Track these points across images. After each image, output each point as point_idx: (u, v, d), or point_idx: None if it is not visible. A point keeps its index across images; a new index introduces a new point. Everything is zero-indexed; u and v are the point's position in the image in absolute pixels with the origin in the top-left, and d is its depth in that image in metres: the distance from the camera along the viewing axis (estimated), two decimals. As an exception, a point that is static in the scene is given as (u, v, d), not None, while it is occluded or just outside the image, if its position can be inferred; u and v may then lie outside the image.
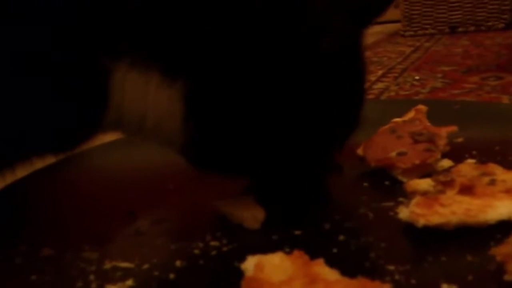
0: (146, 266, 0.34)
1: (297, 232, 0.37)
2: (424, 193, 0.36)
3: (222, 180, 0.40)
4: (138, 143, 0.39)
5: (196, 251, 0.36)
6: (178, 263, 0.34)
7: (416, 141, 0.46)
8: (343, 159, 0.49)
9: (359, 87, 0.41)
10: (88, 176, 0.50)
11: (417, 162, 0.44)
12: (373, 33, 1.95)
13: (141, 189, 0.47)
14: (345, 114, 0.40)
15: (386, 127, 0.50)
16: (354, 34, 0.38)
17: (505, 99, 0.79)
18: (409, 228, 0.35)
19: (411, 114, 0.52)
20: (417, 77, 1.01)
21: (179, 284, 0.33)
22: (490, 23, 1.62)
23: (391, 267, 0.31)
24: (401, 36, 1.71)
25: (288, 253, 0.29)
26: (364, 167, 0.46)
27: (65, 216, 0.42)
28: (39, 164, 0.46)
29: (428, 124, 0.50)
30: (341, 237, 0.35)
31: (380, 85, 0.99)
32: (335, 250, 0.34)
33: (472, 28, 1.63)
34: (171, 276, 0.33)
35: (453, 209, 0.34)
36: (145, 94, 0.34)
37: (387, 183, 0.44)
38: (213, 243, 0.36)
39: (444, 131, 0.48)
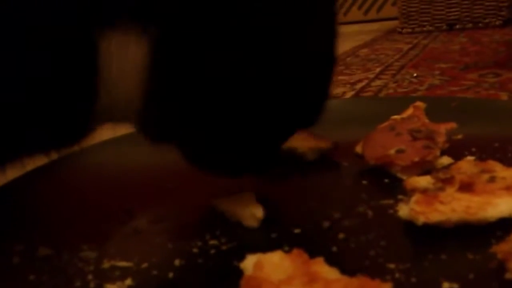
0: (144, 265, 0.34)
1: (296, 231, 0.37)
2: (424, 191, 0.36)
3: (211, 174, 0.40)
4: (135, 141, 0.38)
5: (195, 250, 0.35)
6: (177, 262, 0.34)
7: (415, 138, 0.46)
8: (342, 157, 0.49)
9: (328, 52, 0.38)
10: (85, 175, 0.50)
11: (416, 159, 0.44)
12: (370, 30, 1.95)
13: (139, 187, 0.46)
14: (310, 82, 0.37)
15: (384, 124, 0.50)
16: None
17: (504, 96, 0.79)
18: (409, 226, 0.34)
19: (409, 111, 0.52)
20: (415, 74, 1.01)
21: (178, 283, 0.32)
22: (487, 20, 1.62)
23: (391, 266, 0.31)
24: (399, 33, 1.71)
25: (288, 252, 0.29)
26: (363, 165, 0.46)
27: (63, 215, 0.42)
28: (36, 163, 0.46)
29: (427, 121, 0.50)
30: (341, 236, 0.35)
31: (378, 83, 0.98)
32: (334, 249, 0.34)
33: (469, 25, 1.63)
34: (170, 275, 0.33)
35: (453, 207, 0.34)
36: (126, 60, 0.32)
37: (386, 181, 0.44)
38: (212, 242, 0.36)
39: (443, 128, 0.48)
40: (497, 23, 1.61)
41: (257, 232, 0.37)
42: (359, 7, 2.39)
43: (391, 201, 0.39)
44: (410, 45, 1.43)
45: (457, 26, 1.64)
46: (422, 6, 1.68)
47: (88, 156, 0.53)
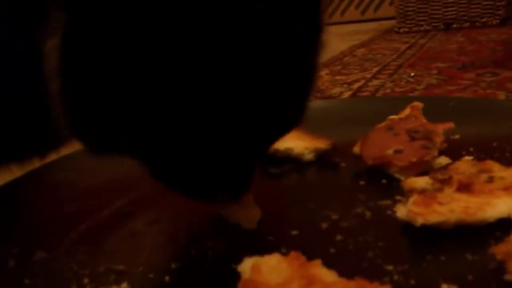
0: (141, 268, 0.34)
1: (294, 232, 0.36)
2: (422, 191, 0.36)
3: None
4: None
5: (192, 253, 0.35)
6: (173, 265, 0.34)
7: (412, 139, 0.46)
8: (339, 158, 0.49)
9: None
10: (81, 177, 0.50)
11: (414, 159, 0.43)
12: (367, 30, 1.95)
13: (135, 190, 0.46)
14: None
15: (382, 124, 0.50)
16: None
17: (501, 95, 0.79)
18: (407, 227, 0.34)
19: (407, 111, 0.52)
20: (412, 74, 1.01)
21: (174, 286, 0.32)
22: (484, 20, 1.62)
23: (390, 267, 0.31)
24: (396, 33, 1.71)
25: (285, 254, 0.29)
26: (361, 165, 0.46)
27: (58, 218, 0.42)
28: (30, 166, 0.45)
29: (424, 121, 0.49)
30: (339, 237, 0.35)
31: (375, 82, 0.98)
32: (332, 251, 0.34)
33: (467, 25, 1.63)
34: (167, 278, 0.33)
35: (451, 208, 0.34)
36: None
37: (384, 181, 0.43)
38: (209, 244, 0.36)
39: (440, 128, 0.47)
40: (494, 22, 1.61)
41: (254, 234, 0.37)
42: (356, 7, 2.39)
43: (389, 202, 0.39)
44: (407, 45, 1.43)
45: (454, 26, 1.64)
46: (419, 6, 1.68)
47: (83, 158, 0.53)
